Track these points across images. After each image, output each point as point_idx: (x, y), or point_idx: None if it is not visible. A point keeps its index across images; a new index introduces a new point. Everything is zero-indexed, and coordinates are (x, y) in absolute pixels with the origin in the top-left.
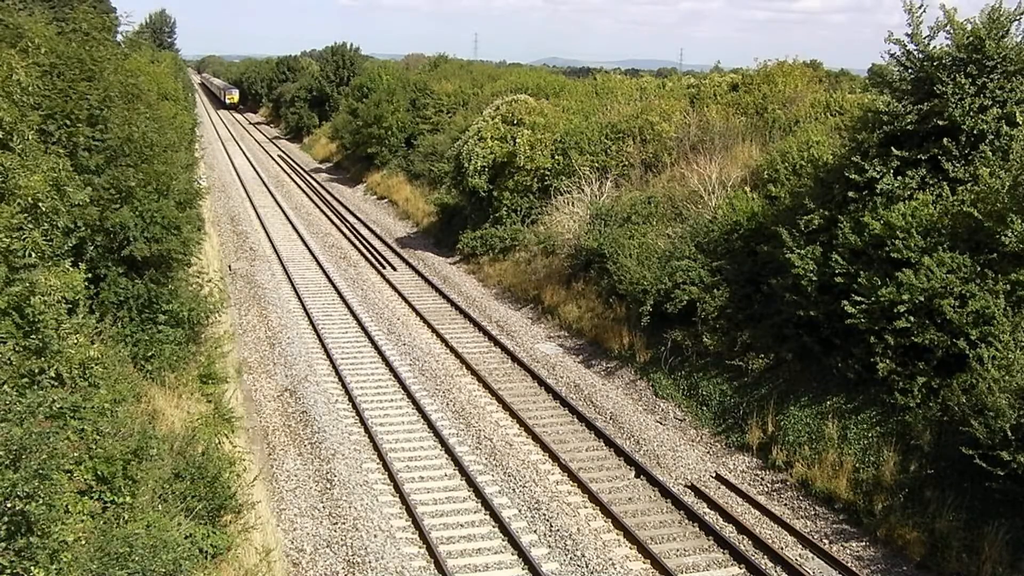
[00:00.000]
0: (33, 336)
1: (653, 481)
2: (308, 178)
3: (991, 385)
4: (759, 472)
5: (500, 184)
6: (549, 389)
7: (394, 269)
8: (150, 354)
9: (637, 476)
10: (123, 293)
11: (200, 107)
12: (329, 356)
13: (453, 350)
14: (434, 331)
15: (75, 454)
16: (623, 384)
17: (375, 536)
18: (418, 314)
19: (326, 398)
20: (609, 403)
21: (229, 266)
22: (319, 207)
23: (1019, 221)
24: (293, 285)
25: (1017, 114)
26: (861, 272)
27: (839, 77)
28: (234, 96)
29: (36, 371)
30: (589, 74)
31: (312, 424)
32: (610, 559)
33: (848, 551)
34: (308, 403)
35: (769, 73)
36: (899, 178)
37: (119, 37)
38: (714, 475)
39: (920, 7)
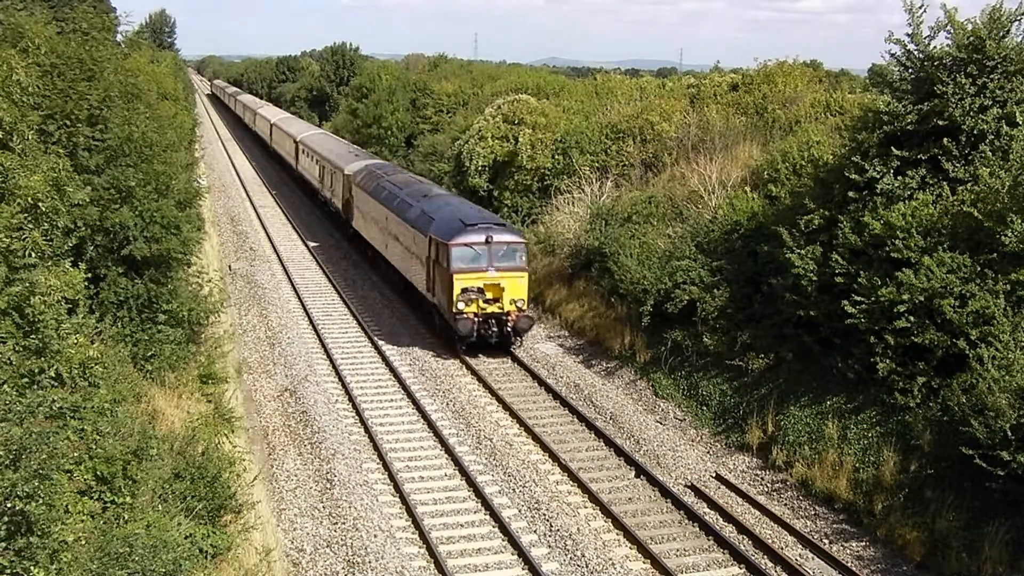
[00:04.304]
0: (33, 336)
1: (653, 481)
2: None
3: (991, 385)
4: (759, 472)
5: (500, 184)
6: (549, 389)
7: None
8: (150, 354)
9: (637, 476)
10: (123, 293)
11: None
12: (329, 356)
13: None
14: None
15: (75, 454)
16: (623, 384)
17: (375, 536)
18: None
19: (326, 398)
20: (609, 403)
21: (229, 266)
22: (319, 207)
23: (1019, 221)
24: (293, 285)
25: (1017, 114)
26: (861, 272)
27: (839, 77)
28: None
29: (36, 371)
30: (590, 74)
31: (312, 424)
32: (610, 559)
33: (848, 551)
34: (308, 403)
35: (769, 73)
36: (899, 178)
37: (119, 37)
38: (714, 475)
39: (921, 7)
